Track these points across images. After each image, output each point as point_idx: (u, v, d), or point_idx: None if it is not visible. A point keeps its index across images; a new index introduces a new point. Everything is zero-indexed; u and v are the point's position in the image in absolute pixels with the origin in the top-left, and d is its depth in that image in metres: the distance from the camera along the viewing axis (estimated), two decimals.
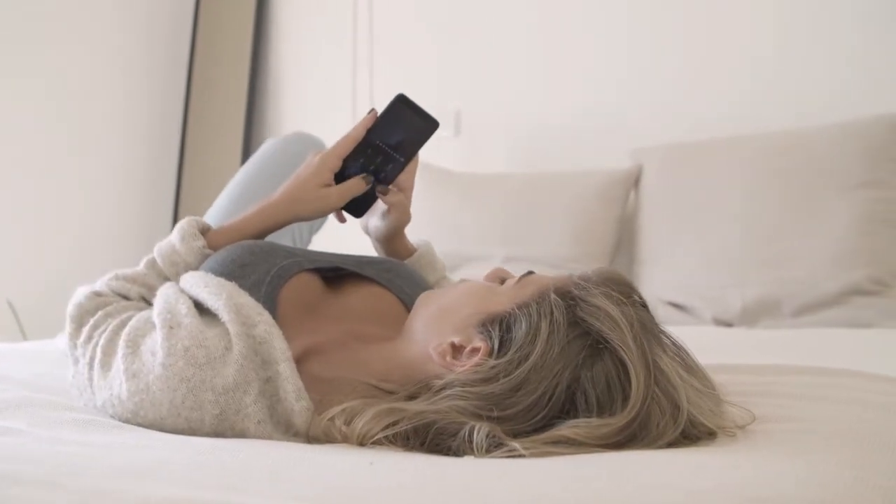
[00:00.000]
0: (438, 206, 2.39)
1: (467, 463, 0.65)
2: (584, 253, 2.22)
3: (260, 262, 0.97)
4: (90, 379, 0.91)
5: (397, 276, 1.07)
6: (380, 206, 1.14)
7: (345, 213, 1.13)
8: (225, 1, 3.21)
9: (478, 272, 0.98)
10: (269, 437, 0.82)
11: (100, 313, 0.95)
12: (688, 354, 0.80)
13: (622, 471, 0.59)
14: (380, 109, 1.08)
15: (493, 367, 0.76)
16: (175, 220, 3.24)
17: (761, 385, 0.99)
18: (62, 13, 2.87)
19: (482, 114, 2.77)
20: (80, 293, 0.99)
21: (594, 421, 0.72)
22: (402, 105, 1.08)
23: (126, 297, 1.00)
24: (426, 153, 1.13)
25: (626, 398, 0.72)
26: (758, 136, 2.11)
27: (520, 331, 0.77)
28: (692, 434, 0.75)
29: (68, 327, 0.97)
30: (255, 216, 1.07)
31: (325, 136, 3.07)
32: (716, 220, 2.05)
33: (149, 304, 1.00)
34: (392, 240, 1.17)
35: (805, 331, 1.72)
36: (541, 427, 0.74)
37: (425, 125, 1.09)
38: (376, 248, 1.20)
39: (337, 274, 1.05)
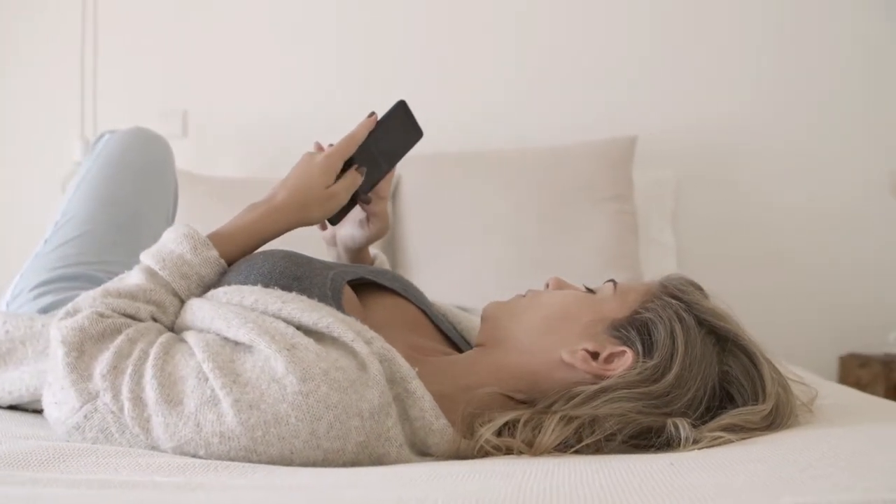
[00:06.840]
0: (195, 209, 2.19)
1: (721, 453, 0.70)
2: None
3: (309, 274, 0.88)
4: (139, 417, 0.76)
5: (403, 285, 1.04)
6: (354, 214, 1.10)
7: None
8: None
9: None
10: (408, 461, 0.77)
11: (121, 338, 0.79)
12: None
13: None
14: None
15: (647, 368, 0.80)
16: None
17: None
18: None
19: (210, 114, 2.64)
20: (80, 315, 0.80)
21: (752, 408, 0.80)
22: (401, 112, 1.05)
23: (134, 318, 0.83)
24: None
25: (763, 386, 0.82)
26: (514, 150, 2.30)
27: (659, 333, 0.82)
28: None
29: (66, 357, 0.78)
30: (258, 222, 0.96)
31: (46, 138, 2.67)
32: (480, 228, 2.18)
33: (164, 325, 0.85)
34: (362, 249, 1.13)
35: None
36: (702, 419, 0.80)
37: (413, 135, 1.07)
38: (340, 257, 1.14)
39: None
